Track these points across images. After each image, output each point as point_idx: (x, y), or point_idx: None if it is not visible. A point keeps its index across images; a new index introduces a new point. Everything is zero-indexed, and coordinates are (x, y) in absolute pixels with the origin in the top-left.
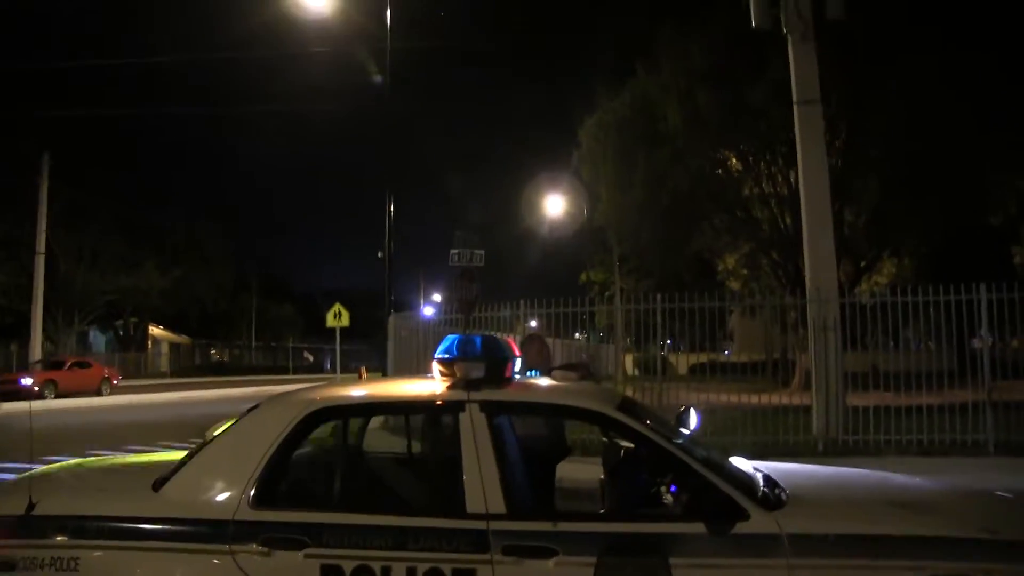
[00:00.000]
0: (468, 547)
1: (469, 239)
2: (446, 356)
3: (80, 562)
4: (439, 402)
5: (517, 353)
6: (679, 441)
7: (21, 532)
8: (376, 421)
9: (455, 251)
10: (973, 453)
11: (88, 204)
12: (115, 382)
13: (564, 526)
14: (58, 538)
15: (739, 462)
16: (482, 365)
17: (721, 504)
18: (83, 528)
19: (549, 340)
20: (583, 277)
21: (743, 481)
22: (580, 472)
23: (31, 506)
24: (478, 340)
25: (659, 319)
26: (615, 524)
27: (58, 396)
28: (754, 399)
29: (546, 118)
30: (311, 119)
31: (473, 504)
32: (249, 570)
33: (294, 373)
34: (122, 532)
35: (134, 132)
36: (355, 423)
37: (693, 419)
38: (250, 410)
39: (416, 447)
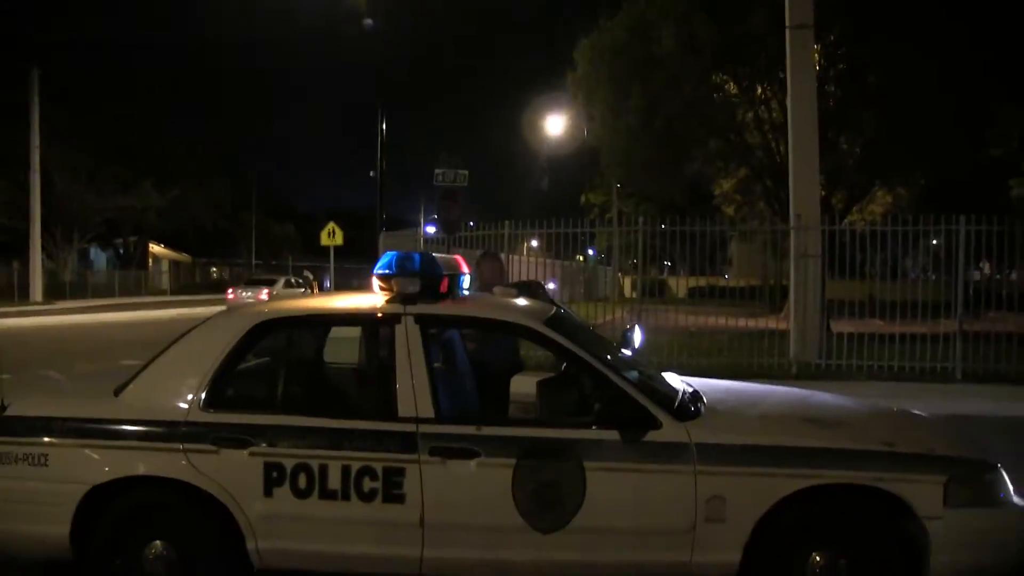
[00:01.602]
0: (398, 448)
1: (453, 159)
2: (385, 272)
3: (49, 458)
4: (378, 315)
5: (466, 271)
6: (604, 356)
7: None
8: (346, 334)
9: (439, 171)
10: (942, 379)
11: (83, 123)
12: None
13: (487, 430)
14: (28, 437)
15: (670, 377)
16: (418, 281)
17: (635, 413)
18: (50, 428)
19: (549, 260)
20: (583, 199)
21: (662, 394)
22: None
23: (3, 407)
24: (416, 257)
25: (639, 241)
26: (534, 429)
27: None
28: (740, 323)
29: (547, 35)
30: (313, 41)
31: (404, 408)
32: (200, 467)
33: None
34: (86, 432)
35: (129, 53)
36: (311, 335)
37: (637, 338)
38: (203, 322)
39: (362, 358)
